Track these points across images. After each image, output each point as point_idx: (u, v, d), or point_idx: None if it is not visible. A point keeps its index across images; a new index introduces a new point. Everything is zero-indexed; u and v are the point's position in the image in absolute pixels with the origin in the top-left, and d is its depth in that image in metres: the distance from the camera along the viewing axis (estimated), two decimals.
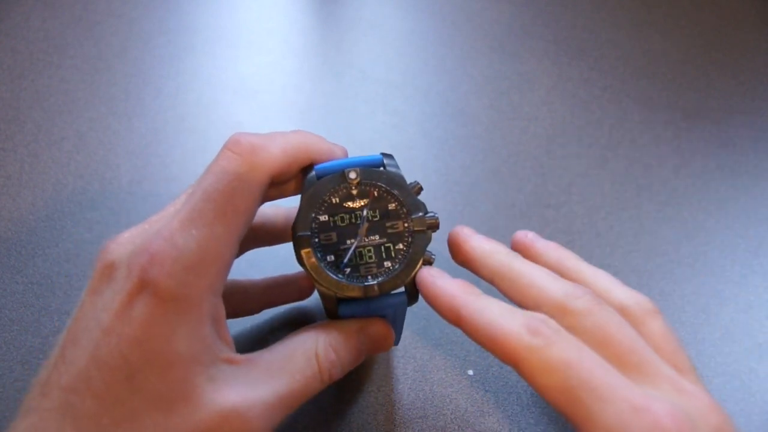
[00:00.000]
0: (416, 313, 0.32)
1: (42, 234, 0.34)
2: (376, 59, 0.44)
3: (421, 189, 0.25)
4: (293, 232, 0.24)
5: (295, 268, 0.32)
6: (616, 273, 0.26)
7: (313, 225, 0.24)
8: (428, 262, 0.24)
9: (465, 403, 0.30)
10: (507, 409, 0.30)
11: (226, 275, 0.22)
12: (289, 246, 0.25)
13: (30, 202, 0.35)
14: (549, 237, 0.36)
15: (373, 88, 0.42)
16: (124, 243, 0.21)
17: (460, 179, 0.38)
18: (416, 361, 0.31)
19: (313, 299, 0.32)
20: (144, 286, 0.20)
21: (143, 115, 0.39)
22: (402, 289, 0.25)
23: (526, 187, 0.38)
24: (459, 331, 0.32)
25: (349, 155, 0.26)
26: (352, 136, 0.40)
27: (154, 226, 0.22)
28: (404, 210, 0.24)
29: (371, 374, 0.30)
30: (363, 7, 0.47)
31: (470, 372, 0.31)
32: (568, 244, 0.36)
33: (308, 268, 0.24)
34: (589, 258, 0.35)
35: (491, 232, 0.37)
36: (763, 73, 0.45)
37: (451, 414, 0.29)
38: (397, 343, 0.30)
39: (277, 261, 0.33)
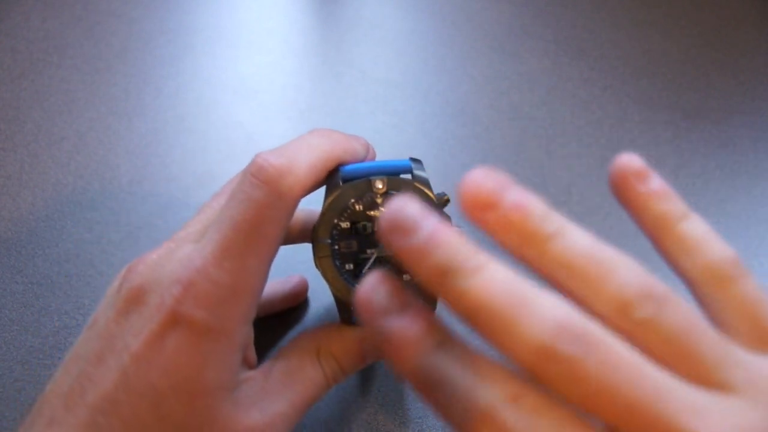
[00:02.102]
0: None
1: (42, 234, 0.34)
2: (376, 59, 0.44)
3: (448, 201, 0.24)
4: (313, 238, 0.23)
5: (288, 272, 0.32)
6: None
7: (334, 232, 0.23)
8: None
9: None
10: None
11: (257, 303, 0.22)
12: (284, 248, 0.25)
13: (30, 202, 0.35)
14: None
15: (373, 88, 0.42)
16: (153, 266, 0.21)
17: (460, 179, 0.38)
18: None
19: (313, 299, 0.32)
20: (177, 318, 0.19)
21: (143, 115, 0.39)
22: None
23: (526, 187, 0.38)
24: (459, 331, 0.32)
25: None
26: None
27: (182, 249, 0.21)
28: None
29: (371, 374, 0.30)
30: (363, 7, 0.47)
31: None
32: None
33: (326, 276, 0.23)
34: None
35: None
36: (763, 73, 0.45)
37: None
38: None
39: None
